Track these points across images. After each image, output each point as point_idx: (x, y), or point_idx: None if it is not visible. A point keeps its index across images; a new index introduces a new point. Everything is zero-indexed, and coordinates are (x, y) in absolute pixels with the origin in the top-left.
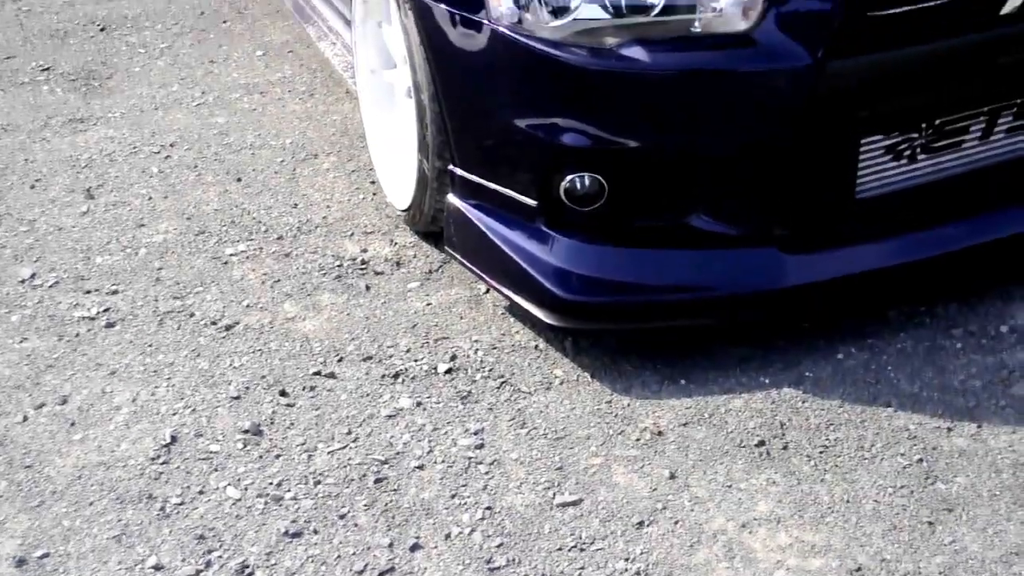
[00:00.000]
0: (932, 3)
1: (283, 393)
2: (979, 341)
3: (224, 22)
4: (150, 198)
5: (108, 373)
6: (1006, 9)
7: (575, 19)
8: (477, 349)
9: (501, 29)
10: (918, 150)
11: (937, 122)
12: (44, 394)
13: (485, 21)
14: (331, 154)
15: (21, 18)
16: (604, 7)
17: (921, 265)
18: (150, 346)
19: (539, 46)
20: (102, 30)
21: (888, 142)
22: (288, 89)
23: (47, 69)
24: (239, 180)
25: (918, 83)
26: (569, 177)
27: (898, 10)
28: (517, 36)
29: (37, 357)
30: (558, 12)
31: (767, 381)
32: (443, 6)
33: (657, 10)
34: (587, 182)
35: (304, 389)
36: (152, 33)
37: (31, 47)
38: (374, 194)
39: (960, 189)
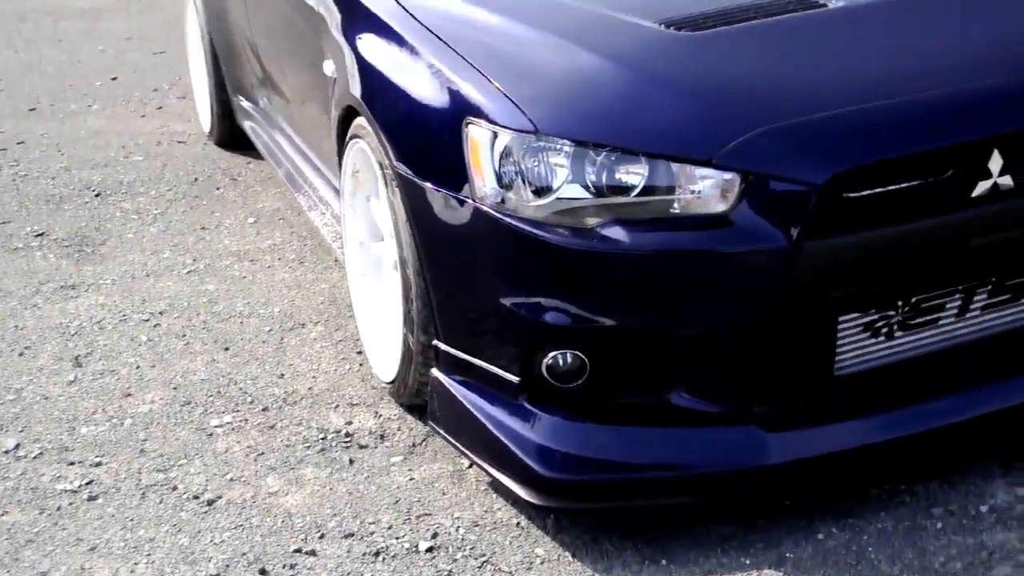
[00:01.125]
0: (905, 185)
1: (263, 572)
2: (959, 521)
3: (217, 188)
4: (138, 367)
5: (88, 549)
6: (977, 191)
7: (557, 198)
8: (459, 526)
9: (485, 208)
10: (895, 327)
11: (913, 300)
12: (23, 570)
13: (469, 200)
14: (319, 323)
15: (18, 183)
16: (586, 187)
17: (902, 442)
18: (132, 520)
19: (522, 225)
20: (97, 195)
21: (865, 320)
22: (278, 257)
23: (41, 235)
24: (227, 349)
25: (893, 263)
26: (551, 354)
27: (872, 191)
28: (500, 215)
29: (18, 531)
30: (541, 192)
31: (748, 562)
32: (429, 184)
33: (637, 190)
34: (569, 359)
35: (284, 567)
36: (146, 199)
37: (27, 212)
38: (360, 364)
39: (940, 365)
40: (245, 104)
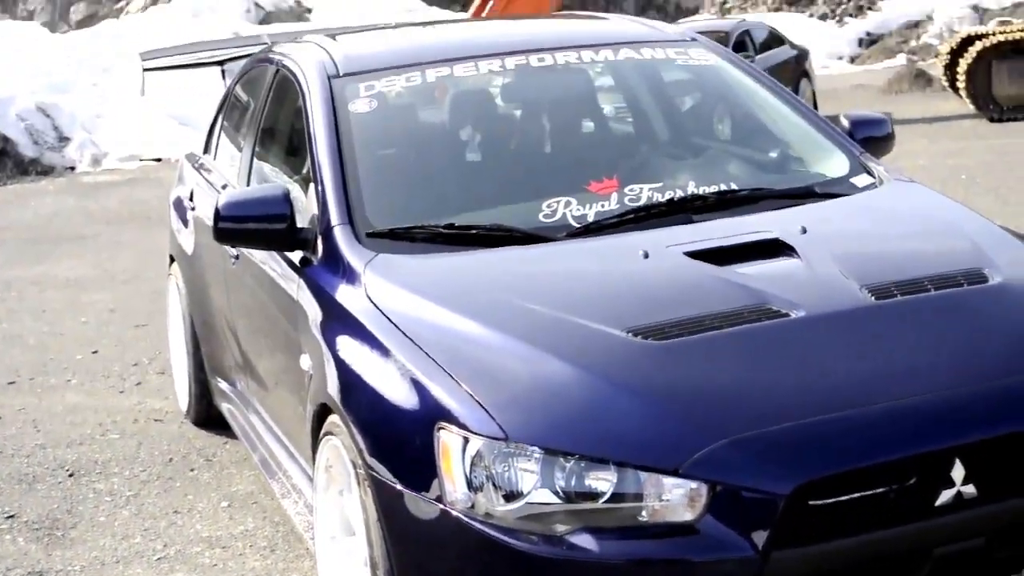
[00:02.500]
0: (870, 493)
1: None
2: None
3: (192, 470)
4: None
5: None
6: (941, 500)
7: (527, 503)
8: None
9: (455, 513)
10: None
11: None
12: None
13: (440, 504)
14: None
15: None
16: (555, 493)
17: None
18: None
19: (492, 532)
20: (71, 475)
21: None
22: (250, 544)
23: (12, 516)
24: None
25: (861, 571)
26: None
27: (838, 500)
28: (471, 520)
29: None
30: (511, 497)
31: None
32: (399, 486)
33: (606, 497)
34: None
35: None
36: (120, 480)
37: None
38: None
39: None
40: (223, 386)
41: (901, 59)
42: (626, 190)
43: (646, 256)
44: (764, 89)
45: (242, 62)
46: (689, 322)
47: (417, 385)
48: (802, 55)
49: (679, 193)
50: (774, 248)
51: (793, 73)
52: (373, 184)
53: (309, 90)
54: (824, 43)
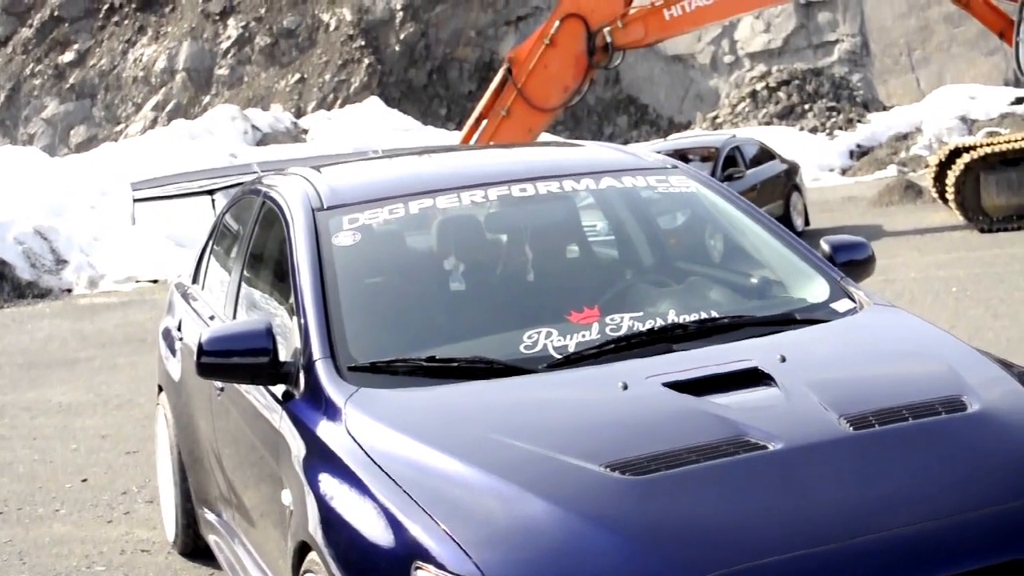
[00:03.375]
0: None
1: None
2: None
3: None
4: None
5: None
6: None
7: None
8: None
9: None
10: None
11: None
12: None
13: None
14: None
15: None
16: None
17: None
18: None
19: None
20: None
21: None
22: None
23: None
24: None
25: None
26: None
27: None
28: None
29: None
30: None
31: None
32: None
33: None
34: None
35: None
36: None
37: None
38: None
39: None
40: (209, 516)
41: (892, 170)
42: (607, 319)
43: (625, 387)
44: (744, 215)
45: (232, 191)
46: (667, 456)
47: (395, 523)
48: (792, 169)
49: (659, 322)
50: (753, 377)
51: (784, 187)
52: (355, 317)
53: (293, 223)
54: (815, 156)
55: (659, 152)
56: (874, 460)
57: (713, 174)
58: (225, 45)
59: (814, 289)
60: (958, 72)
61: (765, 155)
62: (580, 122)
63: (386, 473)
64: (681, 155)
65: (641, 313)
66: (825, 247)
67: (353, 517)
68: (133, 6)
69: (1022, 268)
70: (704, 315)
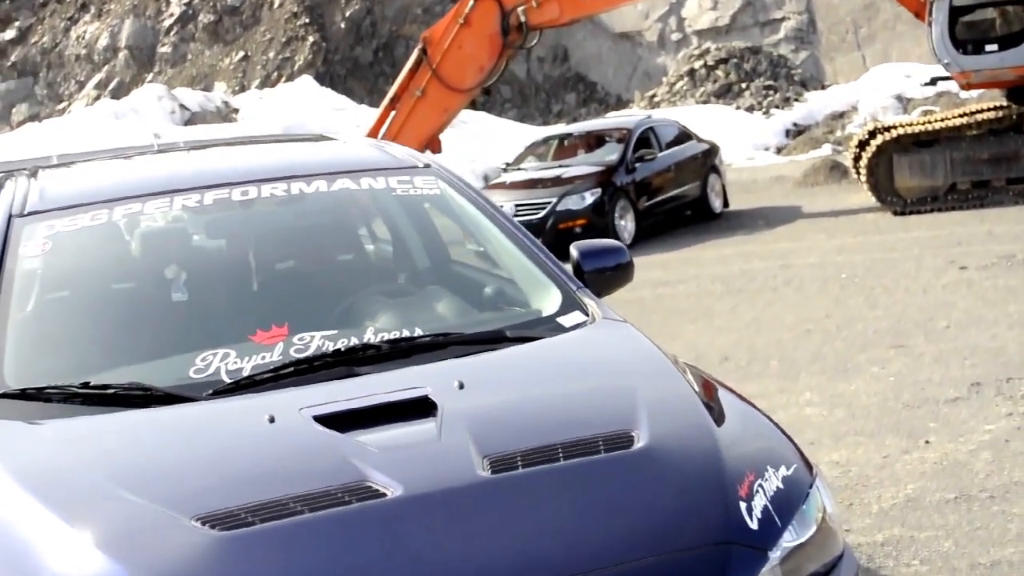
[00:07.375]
0: None
1: None
2: None
3: None
4: None
5: None
6: None
7: None
8: None
9: None
10: None
11: None
12: None
13: None
14: None
15: None
16: None
17: None
18: None
19: None
20: None
21: None
22: None
23: None
24: None
25: None
26: None
27: None
28: None
29: None
30: None
31: None
32: None
33: None
34: None
35: None
36: None
37: None
38: None
39: None
40: None
41: (827, 149)
42: (295, 339)
43: (272, 420)
44: (489, 221)
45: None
46: (272, 505)
47: None
48: (711, 150)
49: (349, 342)
50: (421, 408)
51: (702, 168)
52: (23, 338)
53: None
54: (751, 135)
55: (572, 134)
56: (505, 506)
57: (624, 155)
58: (168, 22)
59: (546, 301)
60: (903, 50)
61: (684, 136)
62: (528, 100)
63: None
64: (596, 137)
65: (335, 332)
66: (574, 253)
67: None
68: None
69: (920, 253)
70: (406, 332)
